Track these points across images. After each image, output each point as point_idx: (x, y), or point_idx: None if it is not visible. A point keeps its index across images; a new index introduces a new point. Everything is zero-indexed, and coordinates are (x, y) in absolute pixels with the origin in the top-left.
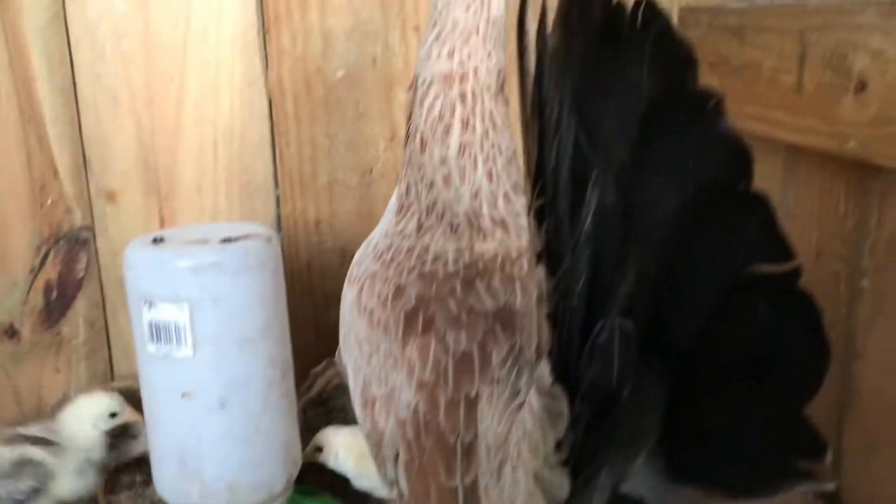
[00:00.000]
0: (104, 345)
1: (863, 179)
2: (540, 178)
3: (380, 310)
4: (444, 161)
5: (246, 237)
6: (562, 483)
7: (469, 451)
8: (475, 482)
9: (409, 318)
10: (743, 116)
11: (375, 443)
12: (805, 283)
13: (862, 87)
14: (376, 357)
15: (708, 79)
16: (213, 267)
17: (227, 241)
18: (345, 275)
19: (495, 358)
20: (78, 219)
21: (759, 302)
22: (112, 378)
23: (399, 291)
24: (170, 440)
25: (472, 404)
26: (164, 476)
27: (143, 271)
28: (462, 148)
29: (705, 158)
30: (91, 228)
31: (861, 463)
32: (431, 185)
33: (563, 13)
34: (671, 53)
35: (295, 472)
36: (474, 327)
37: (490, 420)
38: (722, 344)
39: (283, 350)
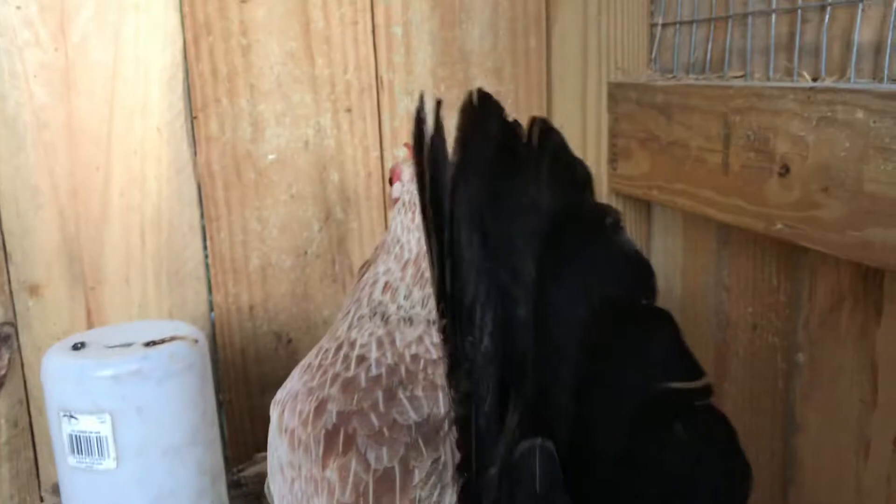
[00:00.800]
0: (29, 445)
1: (793, 255)
2: (441, 300)
3: (300, 430)
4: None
5: (171, 339)
6: None
7: None
8: None
9: (330, 437)
10: (674, 193)
11: None
12: (716, 401)
13: (785, 170)
14: (298, 483)
15: (639, 155)
16: (136, 375)
17: (150, 344)
18: (281, 358)
19: (417, 475)
20: None
21: (674, 422)
22: (38, 478)
23: (321, 408)
24: None
25: None
26: None
27: (62, 382)
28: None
29: (609, 274)
30: (13, 324)
31: None
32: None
33: (462, 131)
34: (568, 172)
35: None
36: (396, 442)
37: None
38: (641, 467)
39: (213, 455)
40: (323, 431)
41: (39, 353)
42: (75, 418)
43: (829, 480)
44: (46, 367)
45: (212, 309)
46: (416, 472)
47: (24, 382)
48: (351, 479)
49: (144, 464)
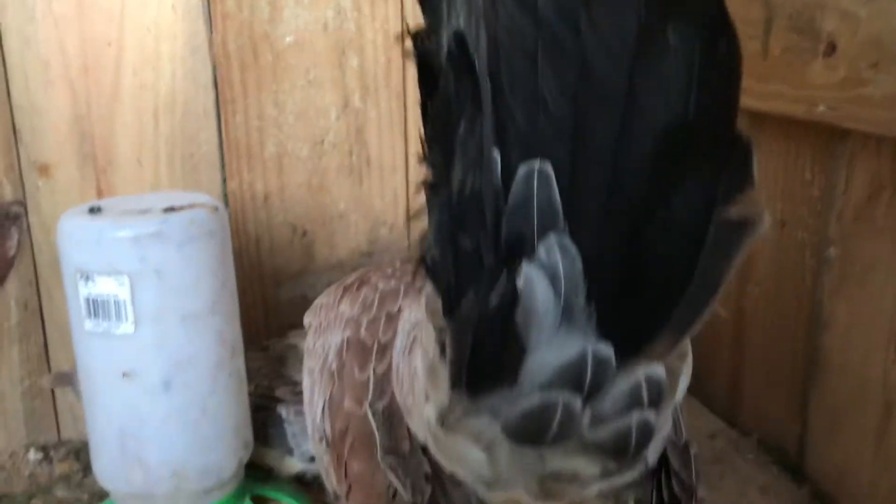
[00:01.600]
0: (38, 328)
1: (830, 145)
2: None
3: (323, 299)
4: None
5: (191, 206)
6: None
7: (384, 348)
8: (387, 371)
9: (347, 287)
10: None
11: (312, 422)
12: None
13: (831, 49)
14: (322, 340)
15: None
16: (156, 237)
17: (170, 210)
18: (295, 251)
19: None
20: (8, 193)
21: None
22: (48, 362)
23: (343, 280)
24: (110, 423)
25: (393, 317)
26: (103, 462)
27: (79, 242)
28: None
29: None
30: (22, 203)
31: (827, 435)
32: None
33: None
34: None
35: (246, 456)
36: (406, 275)
37: (409, 312)
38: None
39: (233, 327)
40: (342, 288)
41: (49, 235)
42: (92, 280)
43: (855, 378)
44: (63, 229)
45: (227, 200)
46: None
47: (34, 264)
48: (360, 300)
49: (163, 329)
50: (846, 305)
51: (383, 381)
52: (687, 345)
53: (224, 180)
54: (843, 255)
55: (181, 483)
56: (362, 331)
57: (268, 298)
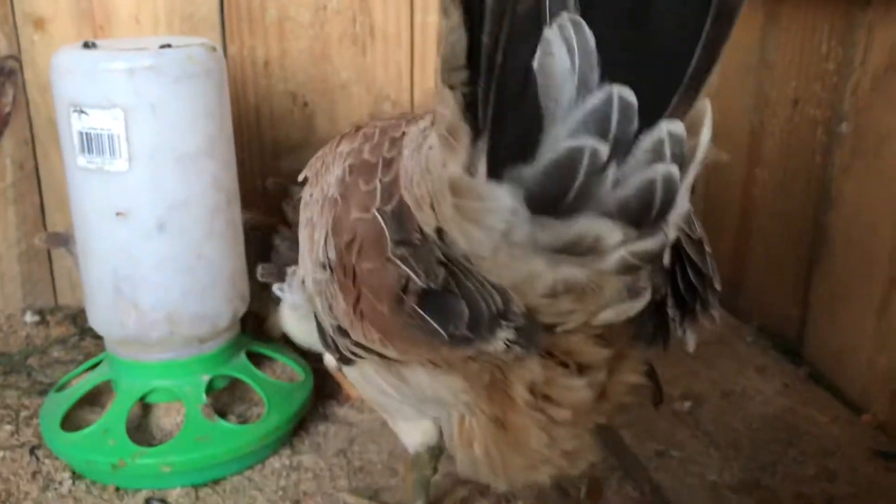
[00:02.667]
0: (34, 189)
1: (849, 14)
2: None
3: (320, 152)
4: None
5: (187, 45)
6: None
7: (390, 162)
8: (394, 179)
9: (345, 134)
10: None
11: (314, 261)
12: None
13: None
14: (318, 188)
15: None
16: (151, 71)
17: (166, 46)
18: (296, 121)
19: (428, 121)
20: (2, 47)
21: None
22: (44, 225)
23: (340, 134)
24: (104, 265)
25: (396, 140)
26: (97, 306)
27: (72, 75)
28: None
29: None
30: (17, 58)
31: (827, 316)
32: None
33: None
34: None
35: (242, 308)
36: (404, 117)
37: (415, 126)
38: None
39: (229, 174)
40: (339, 136)
41: (45, 92)
42: (86, 113)
43: (860, 254)
44: (56, 62)
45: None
46: (426, 119)
47: (30, 124)
48: (360, 136)
49: (157, 168)
50: (855, 181)
51: (391, 187)
52: (705, 109)
53: (224, 44)
54: (856, 129)
55: (175, 328)
56: (365, 154)
57: (267, 170)
